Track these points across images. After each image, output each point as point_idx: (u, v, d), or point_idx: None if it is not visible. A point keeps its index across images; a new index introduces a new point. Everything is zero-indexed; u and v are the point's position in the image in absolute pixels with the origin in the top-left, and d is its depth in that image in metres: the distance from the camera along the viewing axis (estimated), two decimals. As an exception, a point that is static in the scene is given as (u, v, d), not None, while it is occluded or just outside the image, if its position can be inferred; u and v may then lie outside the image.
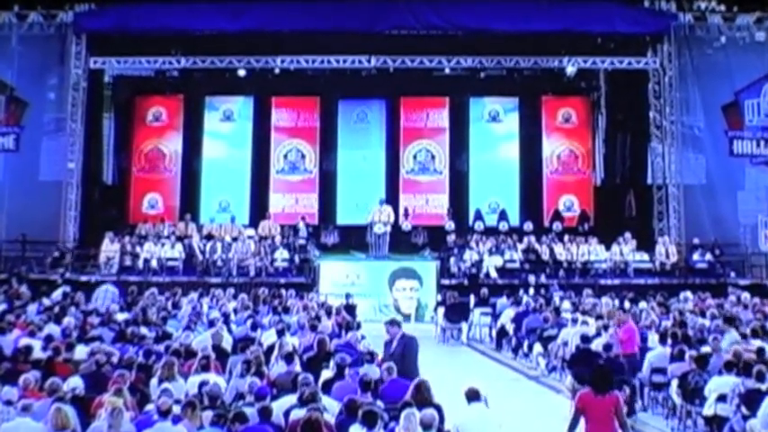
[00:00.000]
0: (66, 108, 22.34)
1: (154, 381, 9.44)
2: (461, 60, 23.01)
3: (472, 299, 19.12)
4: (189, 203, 24.52)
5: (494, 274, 20.94)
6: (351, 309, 17.25)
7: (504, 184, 24.89)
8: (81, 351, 11.03)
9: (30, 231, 20.91)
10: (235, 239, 21.61)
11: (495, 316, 17.97)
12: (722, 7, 22.40)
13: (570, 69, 23.55)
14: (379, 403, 8.41)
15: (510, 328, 16.78)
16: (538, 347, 14.82)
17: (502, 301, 18.21)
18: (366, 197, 23.72)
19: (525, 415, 10.92)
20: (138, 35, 22.51)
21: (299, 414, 7.82)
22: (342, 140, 25.12)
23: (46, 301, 16.35)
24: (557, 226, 23.35)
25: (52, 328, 12.70)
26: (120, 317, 14.40)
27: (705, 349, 11.29)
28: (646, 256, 21.38)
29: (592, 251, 21.51)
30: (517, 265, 21.27)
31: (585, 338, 12.09)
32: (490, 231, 22.94)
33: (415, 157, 25.16)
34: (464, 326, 18.37)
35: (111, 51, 23.17)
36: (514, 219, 24.10)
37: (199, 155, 25.17)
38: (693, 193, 21.96)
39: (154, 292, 17.29)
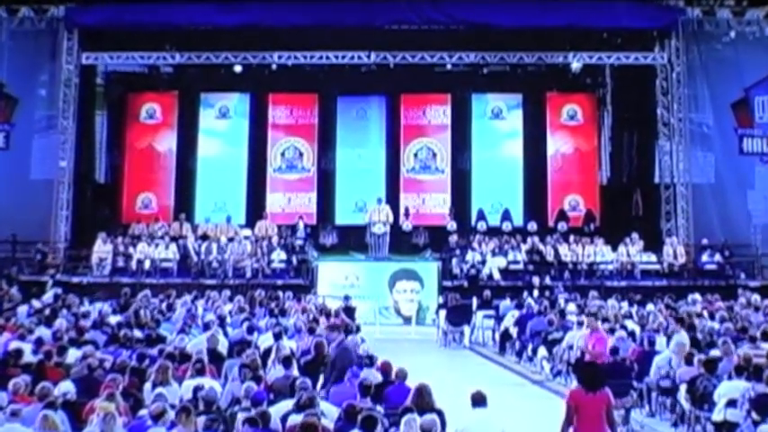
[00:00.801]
0: (57, 105, 22.33)
1: (147, 385, 9.44)
2: (463, 56, 23.00)
3: (475, 301, 19.12)
4: (183, 203, 24.52)
5: (497, 275, 20.93)
6: (350, 311, 17.25)
7: (508, 183, 24.88)
8: (72, 355, 11.01)
9: (20, 232, 20.90)
10: (231, 240, 21.60)
11: (499, 319, 17.96)
12: (731, 1, 22.37)
13: (575, 65, 23.52)
14: (379, 408, 8.41)
15: (513, 331, 16.76)
16: (542, 351, 14.80)
17: (505, 303, 18.19)
18: (366, 197, 23.74)
19: (529, 421, 10.90)
20: (132, 30, 22.50)
21: (296, 419, 7.82)
22: (341, 138, 25.11)
23: (36, 304, 16.34)
24: (561, 226, 23.33)
25: (43, 332, 12.70)
26: (113, 320, 14.40)
27: (714, 353, 11.29)
28: (653, 258, 21.37)
29: (598, 252, 21.51)
30: (521, 266, 21.25)
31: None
32: (493, 232, 22.92)
33: (415, 155, 25.15)
34: (466, 329, 18.35)
35: (103, 47, 23.18)
36: (518, 219, 24.09)
37: (194, 153, 25.15)
38: (702, 192, 21.94)
39: (147, 294, 17.29)
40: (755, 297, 17.28)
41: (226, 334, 13.19)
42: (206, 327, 13.28)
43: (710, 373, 10.38)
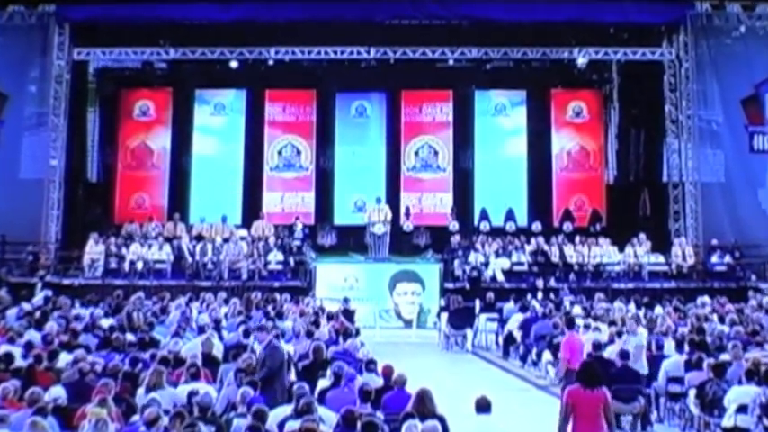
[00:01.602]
0: (48, 102, 22.29)
1: (140, 390, 9.42)
2: (466, 51, 22.97)
3: (477, 304, 19.10)
4: (178, 202, 24.49)
5: (500, 277, 20.92)
6: (349, 314, 17.23)
7: (511, 182, 24.86)
8: (63, 359, 10.99)
9: (10, 232, 20.88)
10: (226, 240, 21.57)
11: (502, 322, 17.94)
12: (741, -5, 22.42)
13: (581, 61, 23.50)
14: (379, 414, 8.39)
15: (517, 334, 16.74)
16: (547, 355, 14.77)
17: (509, 306, 18.18)
18: (365, 196, 23.72)
19: (534, 427, 10.89)
20: (125, 25, 22.49)
21: (294, 426, 7.81)
22: (339, 136, 25.09)
23: (26, 306, 16.31)
24: (567, 226, 23.31)
25: (33, 335, 12.68)
26: (105, 323, 14.38)
27: (724, 357, 11.27)
28: (661, 259, 21.35)
29: (604, 253, 21.49)
30: (525, 267, 21.24)
31: (597, 346, 12.00)
32: (496, 232, 22.91)
33: (416, 153, 25.14)
34: (469, 332, 18.32)
35: (95, 42, 23.13)
36: (522, 219, 24.07)
37: (188, 151, 25.13)
38: (711, 191, 21.91)
39: (140, 296, 17.26)
40: (767, 299, 17.26)
41: (221, 338, 13.17)
42: (201, 330, 13.25)
43: (720, 378, 10.36)
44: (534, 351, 15.59)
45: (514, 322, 17.02)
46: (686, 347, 11.97)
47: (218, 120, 25.52)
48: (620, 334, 13.05)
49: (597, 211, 24.46)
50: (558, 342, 14.53)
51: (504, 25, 22.44)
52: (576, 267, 21.21)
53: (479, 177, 24.93)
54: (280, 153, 25.13)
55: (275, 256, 21.46)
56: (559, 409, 8.37)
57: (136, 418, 8.45)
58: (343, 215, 24.59)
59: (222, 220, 23.01)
